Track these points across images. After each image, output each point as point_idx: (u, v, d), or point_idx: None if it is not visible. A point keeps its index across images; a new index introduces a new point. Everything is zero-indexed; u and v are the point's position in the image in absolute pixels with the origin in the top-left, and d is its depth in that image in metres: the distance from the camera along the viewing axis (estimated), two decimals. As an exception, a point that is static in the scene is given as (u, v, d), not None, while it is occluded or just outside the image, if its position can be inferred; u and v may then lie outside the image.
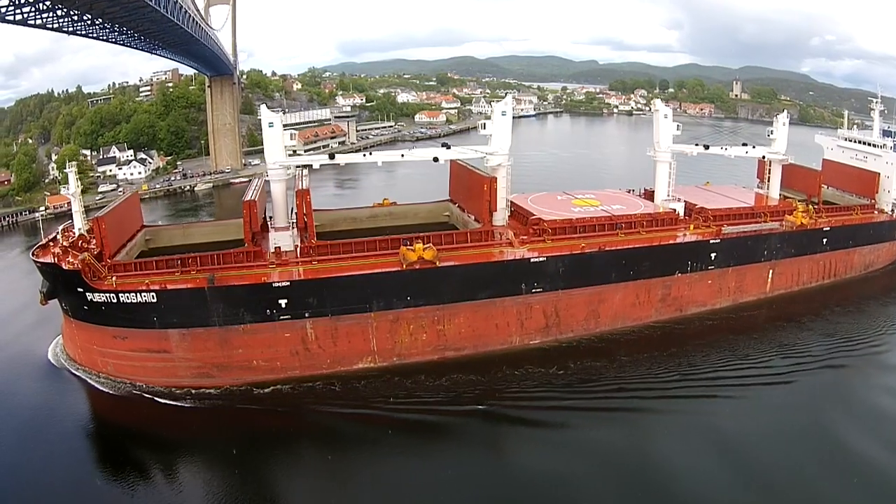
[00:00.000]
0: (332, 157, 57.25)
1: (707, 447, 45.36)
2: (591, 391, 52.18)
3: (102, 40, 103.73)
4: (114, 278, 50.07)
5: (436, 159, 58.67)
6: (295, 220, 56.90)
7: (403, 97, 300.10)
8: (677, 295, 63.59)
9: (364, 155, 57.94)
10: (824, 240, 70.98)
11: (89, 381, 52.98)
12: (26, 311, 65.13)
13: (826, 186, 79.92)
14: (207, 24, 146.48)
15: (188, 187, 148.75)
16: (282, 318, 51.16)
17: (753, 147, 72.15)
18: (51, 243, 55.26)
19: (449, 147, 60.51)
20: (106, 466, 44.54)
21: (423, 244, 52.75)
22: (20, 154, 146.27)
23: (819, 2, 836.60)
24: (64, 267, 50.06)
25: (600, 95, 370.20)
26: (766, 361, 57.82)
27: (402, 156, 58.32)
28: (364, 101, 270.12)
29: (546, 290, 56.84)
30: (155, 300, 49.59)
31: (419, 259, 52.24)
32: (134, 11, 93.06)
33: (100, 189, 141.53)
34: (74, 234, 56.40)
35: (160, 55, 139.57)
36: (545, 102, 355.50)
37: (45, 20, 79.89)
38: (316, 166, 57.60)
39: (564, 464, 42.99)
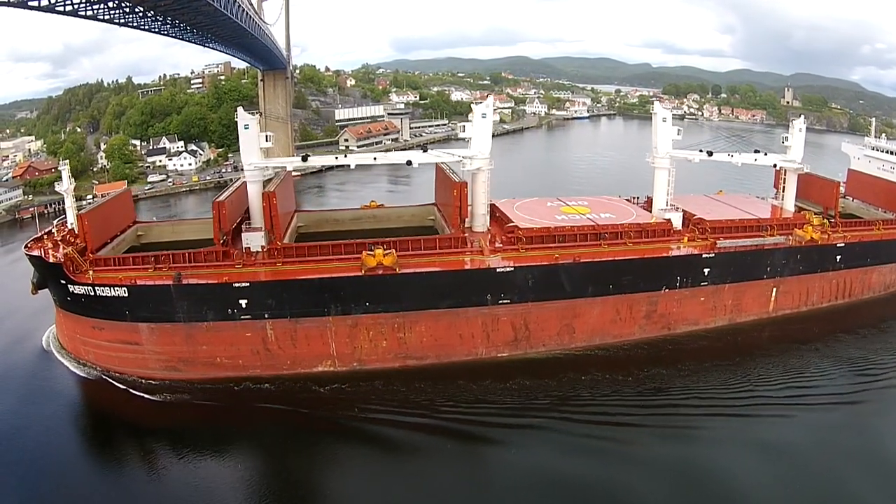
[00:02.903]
0: (304, 159, 57.60)
1: (681, 491, 40.66)
2: (557, 410, 49.47)
3: (154, 32, 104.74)
4: (91, 272, 52.39)
5: (409, 163, 57.77)
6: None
7: (457, 95, 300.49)
8: (664, 312, 59.90)
9: (337, 157, 57.88)
10: (837, 256, 64.96)
11: (71, 367, 55.78)
12: (36, 299, 69.30)
13: (850, 198, 73.22)
14: (261, 18, 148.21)
15: (239, 179, 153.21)
16: (242, 317, 52.02)
17: (765, 154, 66.97)
18: (45, 237, 58.40)
19: (426, 150, 59.40)
20: (72, 447, 46.87)
21: (385, 249, 52.12)
22: (68, 142, 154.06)
23: (869, 10, 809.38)
24: (49, 260, 52.90)
25: (653, 99, 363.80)
26: (763, 391, 52.86)
27: (375, 158, 57.78)
28: (418, 98, 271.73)
29: (514, 301, 54.89)
30: (126, 295, 51.57)
31: (379, 264, 51.69)
32: (186, 4, 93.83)
33: (149, 179, 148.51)
34: (66, 228, 59.42)
35: (212, 48, 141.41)
36: (598, 105, 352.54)
37: (95, 11, 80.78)
38: (289, 168, 58.01)
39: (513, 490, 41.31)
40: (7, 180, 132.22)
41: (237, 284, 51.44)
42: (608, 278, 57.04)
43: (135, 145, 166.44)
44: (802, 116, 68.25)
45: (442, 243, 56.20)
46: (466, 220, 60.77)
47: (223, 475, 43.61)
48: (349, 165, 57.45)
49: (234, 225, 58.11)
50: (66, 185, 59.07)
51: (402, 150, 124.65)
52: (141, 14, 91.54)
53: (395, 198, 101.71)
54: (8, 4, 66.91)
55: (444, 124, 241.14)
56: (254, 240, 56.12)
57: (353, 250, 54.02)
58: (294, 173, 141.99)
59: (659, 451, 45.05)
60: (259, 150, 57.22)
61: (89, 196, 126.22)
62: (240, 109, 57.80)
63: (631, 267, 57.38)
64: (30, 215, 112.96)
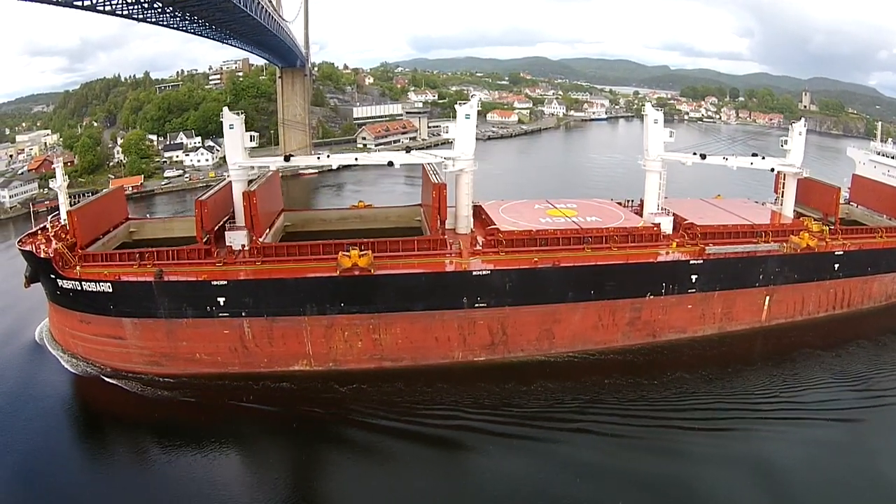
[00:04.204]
0: (287, 159, 58.01)
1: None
2: (532, 417, 48.40)
3: (173, 28, 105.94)
4: (79, 268, 53.73)
5: (390, 163, 57.69)
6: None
7: (476, 95, 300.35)
8: (649, 319, 58.50)
9: (318, 157, 58.10)
10: (836, 265, 62.47)
11: (61, 360, 57.10)
12: (36, 293, 71.18)
13: (855, 205, 70.23)
14: (279, 15, 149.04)
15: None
16: (221, 315, 52.64)
17: (762, 158, 64.64)
18: (39, 232, 60.07)
19: (409, 151, 59.19)
20: (57, 441, 47.45)
21: (361, 251, 52.12)
22: (84, 136, 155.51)
23: (888, 15, 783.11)
24: (40, 255, 54.44)
25: (671, 101, 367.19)
26: (753, 404, 50.81)
27: (357, 159, 57.85)
28: (436, 97, 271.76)
29: (491, 305, 54.28)
30: (111, 290, 52.73)
31: (354, 265, 51.72)
32: (205, 1, 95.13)
33: (165, 174, 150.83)
34: (60, 224, 61.00)
35: (231, 45, 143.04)
36: (617, 106, 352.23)
37: (114, 6, 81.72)
38: (272, 168, 58.46)
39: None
40: (23, 174, 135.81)
41: (215, 282, 52.10)
42: (589, 283, 55.92)
43: (152, 140, 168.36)
44: (803, 119, 66.15)
45: (420, 245, 55.91)
46: (450, 221, 60.57)
47: (201, 471, 43.99)
48: (332, 166, 57.45)
49: (219, 223, 58.88)
50: (59, 182, 60.49)
51: (420, 148, 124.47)
52: (159, 9, 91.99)
53: (409, 198, 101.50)
54: (28, -1, 68.19)
55: None
56: (236, 238, 56.84)
57: (332, 251, 54.17)
58: (310, 171, 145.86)
59: (638, 466, 43.36)
60: (243, 150, 57.84)
61: (104, 190, 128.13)
62: (225, 109, 58.59)
63: (613, 272, 56.11)
64: (45, 209, 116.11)
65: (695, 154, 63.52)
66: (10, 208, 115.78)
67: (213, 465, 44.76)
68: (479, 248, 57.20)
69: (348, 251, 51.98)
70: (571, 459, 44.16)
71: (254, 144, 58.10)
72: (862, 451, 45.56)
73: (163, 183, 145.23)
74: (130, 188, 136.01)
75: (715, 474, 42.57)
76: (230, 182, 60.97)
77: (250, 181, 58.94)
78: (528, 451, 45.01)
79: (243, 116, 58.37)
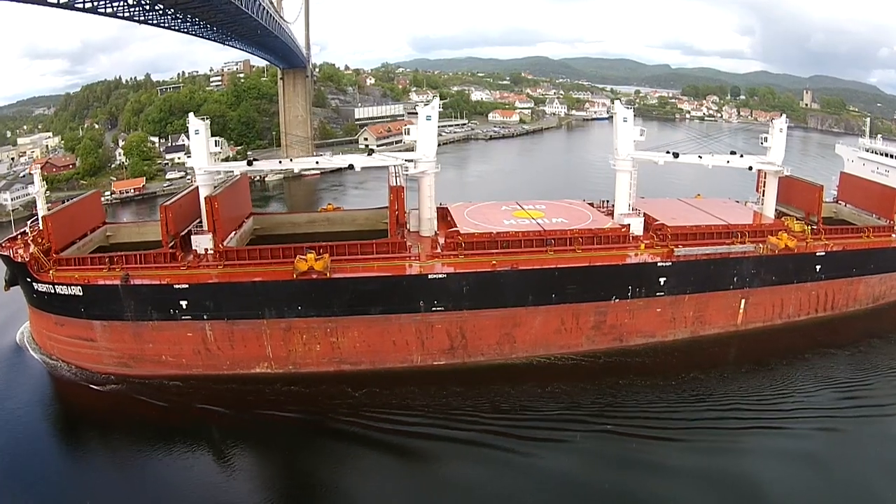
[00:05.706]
0: (250, 163, 58.57)
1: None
2: (489, 423, 47.70)
3: (174, 30, 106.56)
4: (52, 272, 55.42)
5: (351, 167, 57.75)
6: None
7: (477, 95, 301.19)
8: (615, 323, 57.13)
9: (280, 161, 58.40)
10: (817, 266, 59.85)
11: (39, 361, 58.93)
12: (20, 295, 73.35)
13: (843, 204, 67.13)
14: (280, 17, 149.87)
15: (258, 178, 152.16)
16: (183, 318, 53.60)
17: (741, 156, 62.33)
18: (20, 237, 62.08)
19: (372, 153, 59.07)
20: (32, 440, 48.64)
21: (318, 254, 52.33)
22: (86, 139, 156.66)
23: (889, 13, 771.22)
24: (17, 259, 56.34)
25: (673, 100, 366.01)
26: (726, 414, 48.98)
27: (317, 162, 58.01)
28: (437, 97, 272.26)
29: (448, 309, 53.83)
30: (81, 293, 54.21)
31: (310, 269, 51.94)
32: (207, 2, 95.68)
33: (167, 176, 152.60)
34: (38, 229, 62.91)
35: (232, 46, 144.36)
36: None
37: (115, 9, 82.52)
38: (236, 173, 59.11)
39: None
40: (24, 176, 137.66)
41: (177, 286, 53.05)
42: (550, 286, 54.87)
43: (153, 142, 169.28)
44: (784, 115, 63.87)
45: (379, 248, 55.75)
46: (414, 224, 60.27)
47: (168, 473, 44.60)
48: (293, 170, 57.67)
49: (187, 228, 59.85)
50: (37, 188, 62.25)
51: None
52: (161, 11, 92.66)
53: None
54: (27, 1, 69.90)
55: (464, 124, 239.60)
56: (201, 242, 57.67)
57: (291, 255, 54.45)
58: (313, 172, 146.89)
59: (604, 477, 42.10)
60: (209, 155, 58.64)
61: (107, 192, 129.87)
62: (190, 115, 59.39)
63: (574, 275, 54.88)
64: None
65: (667, 153, 61.70)
66: (12, 211, 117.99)
67: (178, 467, 45.22)
68: (439, 251, 56.71)
69: (305, 255, 52.29)
70: (536, 469, 42.90)
71: (218, 150, 58.77)
72: (844, 463, 43.65)
73: (165, 185, 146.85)
74: (133, 190, 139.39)
75: (686, 488, 40.98)
76: (197, 187, 61.98)
77: (216, 186, 59.74)
78: (489, 459, 44.15)
79: (209, 122, 59.08)
